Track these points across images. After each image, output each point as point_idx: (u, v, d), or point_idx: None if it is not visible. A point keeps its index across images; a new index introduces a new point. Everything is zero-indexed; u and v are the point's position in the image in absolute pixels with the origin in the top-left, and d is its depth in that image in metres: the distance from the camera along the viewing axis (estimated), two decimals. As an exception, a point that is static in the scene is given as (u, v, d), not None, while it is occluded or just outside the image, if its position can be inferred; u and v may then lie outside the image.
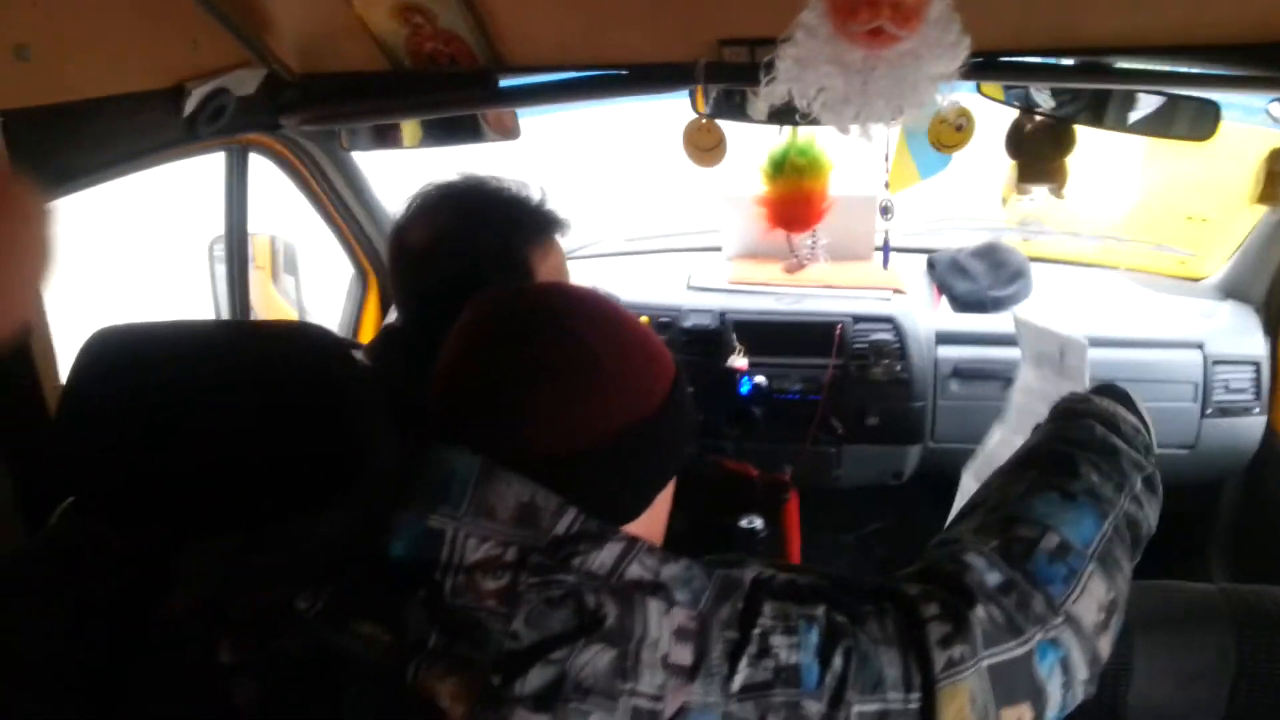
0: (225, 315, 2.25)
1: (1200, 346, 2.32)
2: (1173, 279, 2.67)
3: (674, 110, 1.89)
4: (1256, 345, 2.34)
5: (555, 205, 1.32)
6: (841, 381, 2.37)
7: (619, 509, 0.78)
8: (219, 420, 1.00)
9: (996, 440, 1.74)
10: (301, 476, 0.98)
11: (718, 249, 2.75)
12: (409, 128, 2.15)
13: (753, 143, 2.04)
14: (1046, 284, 2.56)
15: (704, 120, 1.78)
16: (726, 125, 1.86)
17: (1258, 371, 2.32)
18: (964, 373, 2.39)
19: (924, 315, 2.44)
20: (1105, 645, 0.82)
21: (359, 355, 1.28)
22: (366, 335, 2.61)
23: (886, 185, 2.13)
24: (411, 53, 1.77)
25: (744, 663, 0.68)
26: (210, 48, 1.67)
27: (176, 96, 1.61)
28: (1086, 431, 0.98)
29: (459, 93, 1.90)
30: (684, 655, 0.67)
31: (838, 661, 0.70)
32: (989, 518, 0.87)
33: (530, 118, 2.16)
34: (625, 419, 0.75)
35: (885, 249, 2.35)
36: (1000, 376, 2.37)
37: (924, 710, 0.71)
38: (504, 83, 1.90)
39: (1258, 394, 2.32)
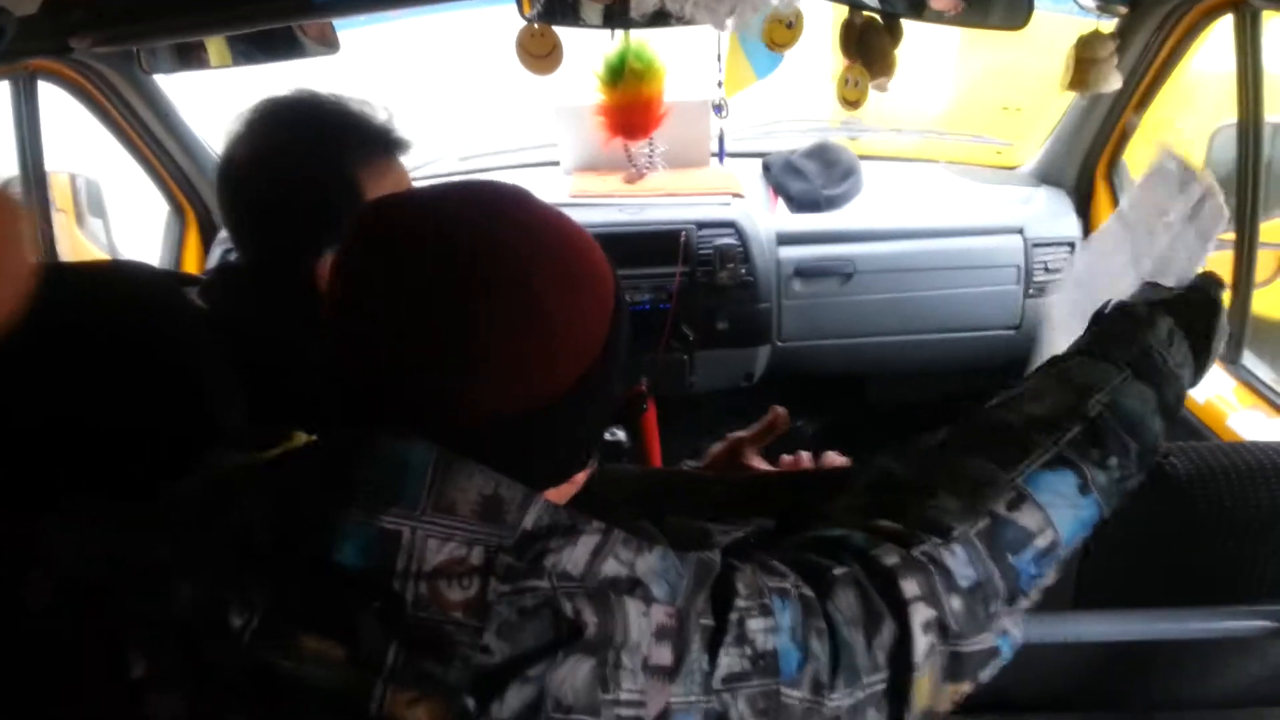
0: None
1: (1020, 231, 2.45)
2: (991, 169, 2.79)
3: (507, 18, 1.81)
4: (1070, 226, 2.48)
5: (398, 124, 1.23)
6: (689, 288, 2.39)
7: (560, 469, 0.73)
8: (31, 383, 0.84)
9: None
10: (139, 441, 0.87)
11: (556, 163, 2.69)
12: (215, 45, 1.98)
13: (580, 50, 1.98)
14: (873, 180, 2.63)
15: (537, 26, 1.72)
16: (560, 31, 1.81)
17: (1072, 250, 2.47)
18: (805, 271, 2.44)
19: (764, 218, 2.47)
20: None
21: (193, 296, 1.17)
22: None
23: (720, 85, 2.12)
24: (211, -39, 1.63)
25: (723, 652, 0.64)
26: (-21, -39, 1.49)
27: (-60, 18, 1.43)
28: (1142, 403, 0.86)
29: (269, 4, 1.76)
30: (664, 656, 0.62)
31: (815, 646, 0.66)
32: (997, 473, 0.79)
33: (350, 30, 2.04)
34: (574, 368, 0.68)
35: (720, 148, 2.35)
36: (839, 273, 2.44)
37: (894, 689, 0.69)
38: (316, -8, 1.78)
39: (1073, 272, 2.48)
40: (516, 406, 0.66)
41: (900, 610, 0.69)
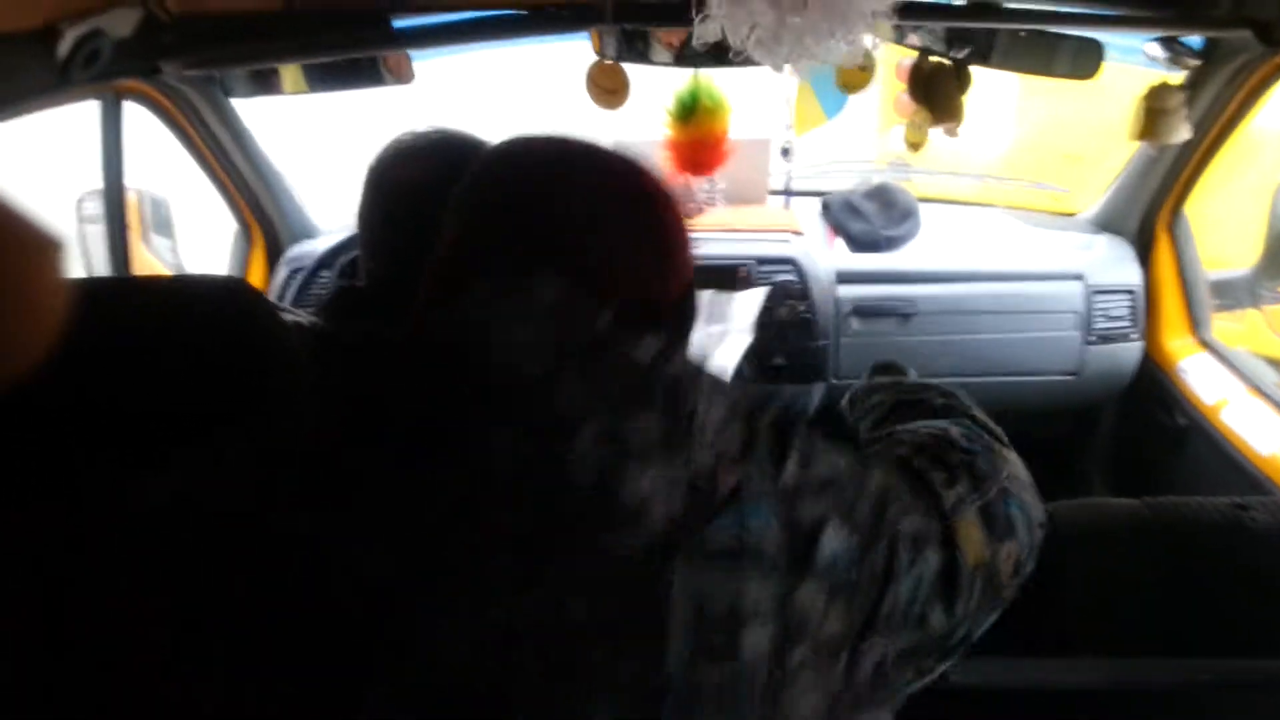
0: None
1: (1080, 278, 2.45)
2: (1050, 215, 2.79)
3: (574, 53, 1.85)
4: (1132, 274, 2.47)
5: None
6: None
7: None
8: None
9: None
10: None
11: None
12: (290, 73, 2.03)
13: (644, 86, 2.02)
14: (932, 223, 2.64)
15: (606, 61, 1.75)
16: (629, 68, 1.84)
17: (1134, 299, 2.46)
18: (865, 310, 2.45)
19: (823, 256, 2.48)
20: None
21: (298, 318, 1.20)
22: (255, 295, 2.49)
23: (789, 127, 2.15)
24: (300, -12, 1.68)
25: (789, 464, 0.68)
26: (82, -15, 1.54)
27: (47, 38, 1.48)
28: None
29: (350, 34, 1.81)
30: (731, 442, 0.67)
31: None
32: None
33: (425, 61, 2.08)
34: (682, 280, 0.84)
35: (788, 190, 2.37)
36: (899, 313, 2.44)
37: (945, 537, 0.74)
38: (398, 24, 1.82)
39: (1134, 321, 2.46)
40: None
41: (918, 476, 0.79)
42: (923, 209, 2.65)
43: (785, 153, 2.26)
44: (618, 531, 0.62)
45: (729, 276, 2.37)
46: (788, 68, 1.37)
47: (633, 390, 0.66)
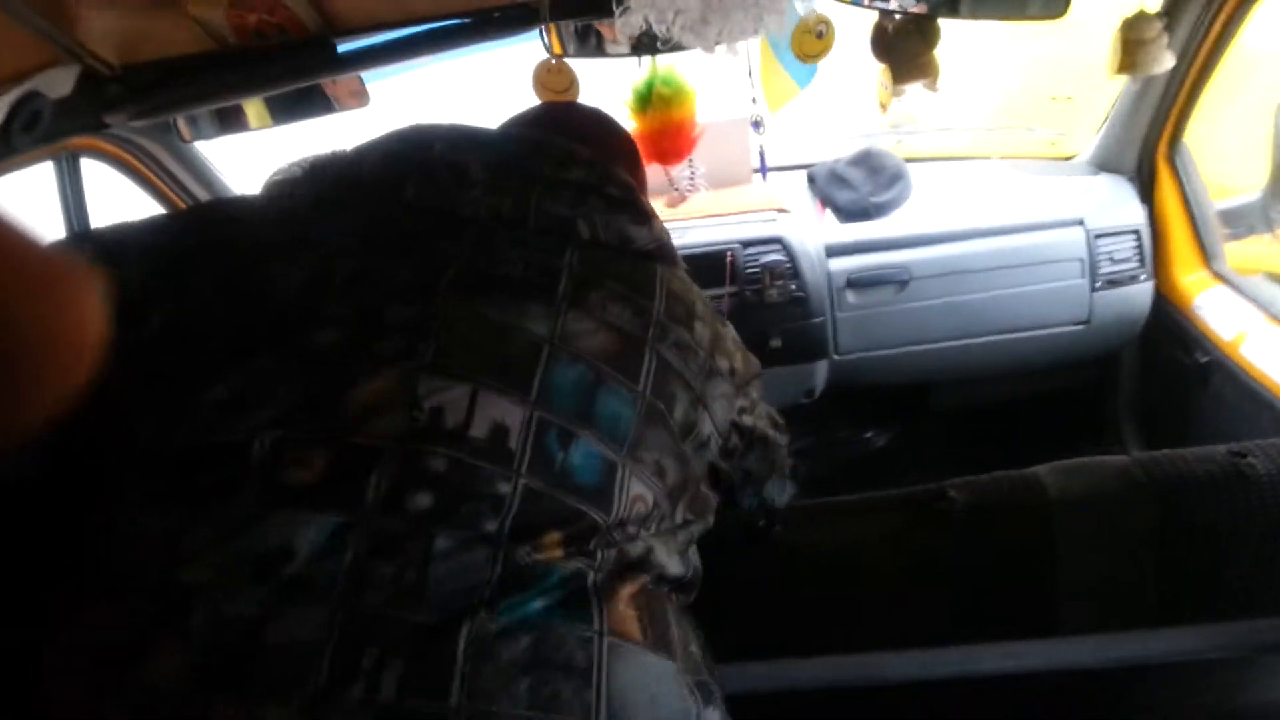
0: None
1: (1081, 222, 2.36)
2: (1047, 161, 2.70)
3: (525, 55, 1.81)
4: (1135, 214, 2.38)
5: None
6: (739, 308, 2.34)
7: None
8: None
9: None
10: None
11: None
12: (254, 108, 2.02)
13: (610, 79, 1.97)
14: (924, 183, 2.56)
15: (553, 62, 1.71)
16: (580, 63, 1.80)
17: (1139, 239, 2.37)
18: (858, 282, 2.38)
19: (811, 231, 2.42)
20: None
21: None
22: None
23: (755, 101, 2.08)
24: (235, 28, 1.64)
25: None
26: (15, 49, 1.52)
27: (-23, 107, 1.47)
28: None
29: (295, 63, 1.78)
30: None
31: None
32: None
33: (381, 81, 2.05)
34: None
35: (762, 164, 2.31)
36: (894, 281, 2.37)
37: None
38: (342, 47, 1.79)
39: (1141, 260, 2.37)
40: None
41: None
42: (914, 170, 2.57)
43: (756, 125, 2.20)
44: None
45: (715, 262, 2.32)
46: (720, 49, 1.31)
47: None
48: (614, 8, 1.31)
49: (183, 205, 2.21)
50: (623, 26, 1.31)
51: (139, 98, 1.77)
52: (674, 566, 0.88)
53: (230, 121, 2.05)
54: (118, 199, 2.11)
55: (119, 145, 1.96)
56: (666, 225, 2.31)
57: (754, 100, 2.09)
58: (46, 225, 2.01)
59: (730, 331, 1.09)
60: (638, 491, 0.85)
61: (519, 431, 0.80)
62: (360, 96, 1.99)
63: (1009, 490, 1.16)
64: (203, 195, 2.21)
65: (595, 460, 0.83)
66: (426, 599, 0.71)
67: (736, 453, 1.09)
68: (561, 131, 1.13)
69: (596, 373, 0.87)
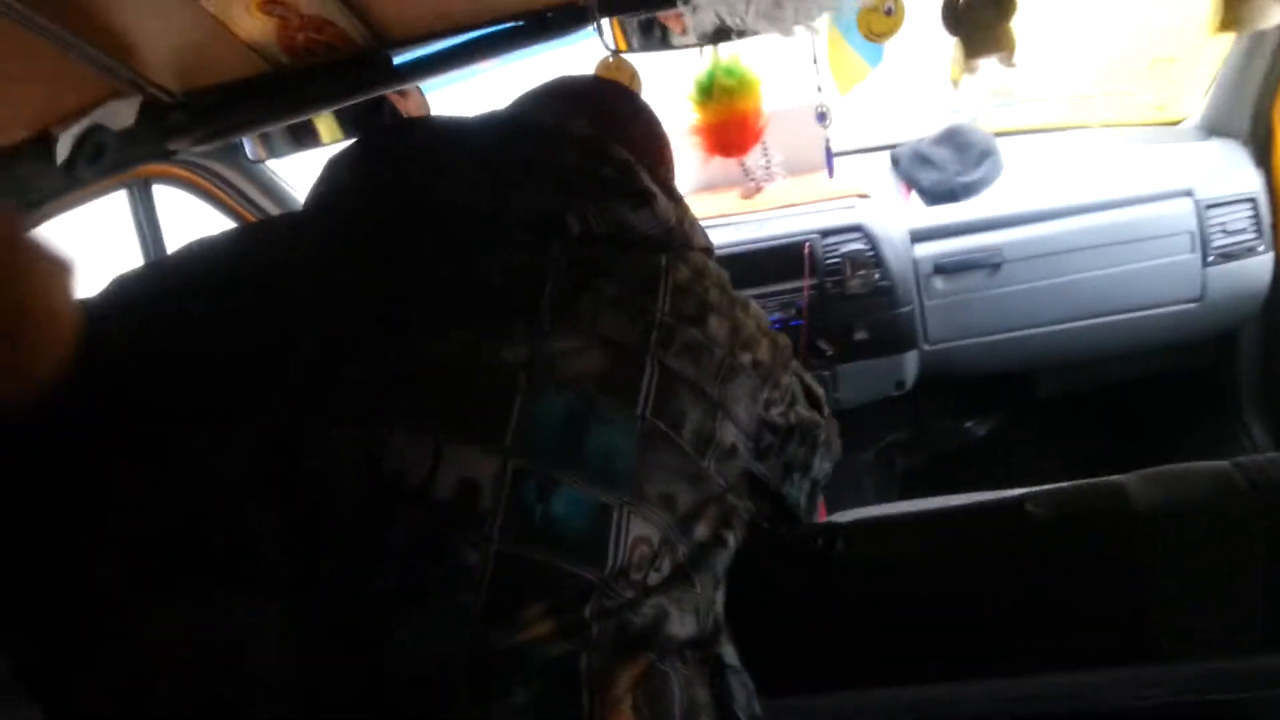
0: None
1: (1189, 193, 2.18)
2: (1152, 128, 2.51)
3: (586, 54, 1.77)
4: (1249, 180, 2.19)
5: None
6: (821, 301, 2.25)
7: None
8: None
9: None
10: None
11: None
12: (325, 123, 2.03)
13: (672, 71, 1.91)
14: (1018, 158, 2.41)
15: (612, 58, 1.65)
16: (640, 58, 1.74)
17: (1255, 208, 2.18)
18: (946, 268, 2.26)
19: (894, 216, 2.31)
20: None
21: None
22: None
23: (820, 89, 1.99)
24: (286, 48, 1.64)
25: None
26: (76, 85, 1.55)
27: (45, 144, 1.50)
28: None
29: (352, 79, 1.77)
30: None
31: None
32: None
33: (446, 89, 2.04)
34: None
35: (828, 157, 2.21)
36: (985, 264, 2.24)
37: None
38: (398, 60, 1.78)
39: (1259, 231, 2.18)
40: None
41: None
42: (1006, 145, 2.43)
43: (822, 117, 2.10)
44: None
45: (793, 254, 2.23)
46: (799, 30, 1.24)
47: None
48: (679, 4, 1.25)
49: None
50: (694, 26, 1.24)
51: (201, 123, 1.79)
52: (687, 628, 0.79)
53: (303, 138, 2.07)
54: (195, 222, 2.16)
55: (189, 170, 1.98)
56: (739, 219, 2.25)
57: (819, 89, 1.99)
58: (126, 253, 2.07)
59: (753, 317, 0.97)
60: (640, 533, 0.75)
61: (491, 486, 0.71)
62: (422, 108, 1.98)
63: (1093, 500, 1.06)
64: (277, 211, 2.23)
65: (584, 507, 0.73)
66: (385, 695, 0.64)
67: (773, 450, 0.98)
68: (561, 104, 1.07)
69: (586, 401, 0.77)
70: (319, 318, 0.80)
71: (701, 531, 0.82)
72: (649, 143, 1.16)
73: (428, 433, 0.72)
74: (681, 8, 1.36)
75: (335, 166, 0.99)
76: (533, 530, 0.71)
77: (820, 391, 1.12)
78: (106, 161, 1.62)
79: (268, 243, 0.93)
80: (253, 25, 1.59)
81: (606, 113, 1.12)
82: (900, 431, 2.79)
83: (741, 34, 1.30)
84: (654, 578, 0.77)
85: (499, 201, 0.89)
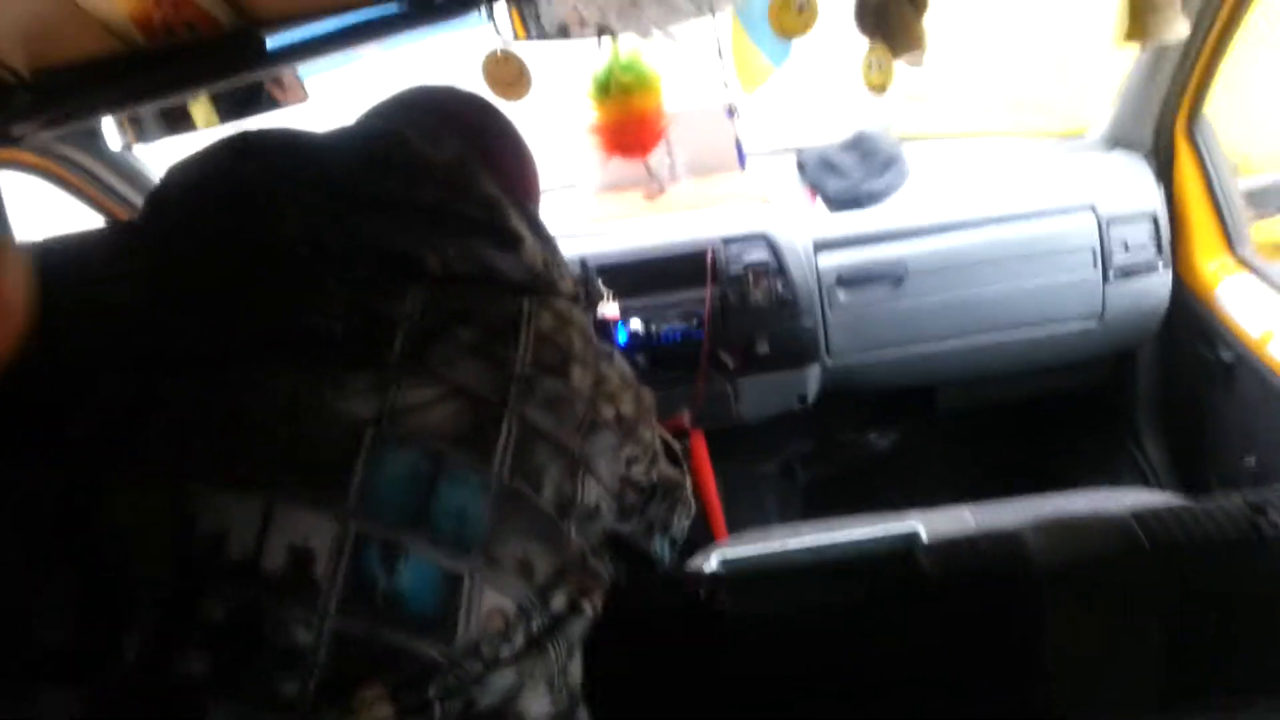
0: None
1: (1092, 208, 2.16)
2: (1054, 139, 2.49)
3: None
4: (1150, 196, 2.18)
5: None
6: (722, 311, 2.18)
7: None
8: None
9: None
10: None
11: (572, 185, 2.49)
12: (200, 107, 1.86)
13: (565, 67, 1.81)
14: (925, 165, 2.37)
15: (500, 52, 1.54)
16: (537, 48, 1.63)
17: (1155, 224, 2.17)
18: (850, 279, 2.20)
19: (798, 225, 2.24)
20: None
21: None
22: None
23: (726, 86, 1.90)
24: (142, 26, 1.48)
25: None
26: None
27: None
28: None
29: (221, 61, 1.62)
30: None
31: None
32: None
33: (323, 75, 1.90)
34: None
35: (740, 153, 2.14)
36: (889, 276, 2.19)
37: None
38: (271, 42, 1.63)
39: (1159, 248, 2.17)
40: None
41: None
42: (911, 150, 2.38)
43: (730, 113, 2.03)
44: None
45: (696, 262, 2.15)
46: (657, 33, 1.14)
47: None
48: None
49: (123, 214, 2.06)
50: (547, 16, 1.14)
51: (50, 105, 1.61)
52: (540, 705, 0.72)
53: (177, 122, 1.91)
54: (54, 211, 1.98)
55: (40, 155, 1.80)
56: (643, 223, 2.15)
57: (725, 85, 1.90)
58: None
59: (617, 368, 0.92)
60: (493, 604, 0.69)
61: (328, 554, 0.63)
62: (297, 94, 1.84)
63: (988, 554, 0.99)
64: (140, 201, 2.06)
65: (431, 577, 0.67)
66: None
67: (635, 509, 0.94)
68: (422, 122, 0.97)
69: (435, 459, 0.71)
70: (123, 363, 0.70)
71: (559, 601, 0.75)
72: (517, 171, 1.08)
73: (256, 492, 0.64)
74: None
75: (165, 187, 0.88)
76: (374, 604, 0.64)
77: (679, 448, 1.09)
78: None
79: (79, 273, 0.81)
80: (103, 1, 1.43)
81: (473, 136, 1.04)
82: (803, 443, 2.73)
83: (602, 29, 1.20)
84: (506, 650, 0.70)
85: (348, 238, 0.80)
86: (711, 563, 1.53)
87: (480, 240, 0.85)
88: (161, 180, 0.90)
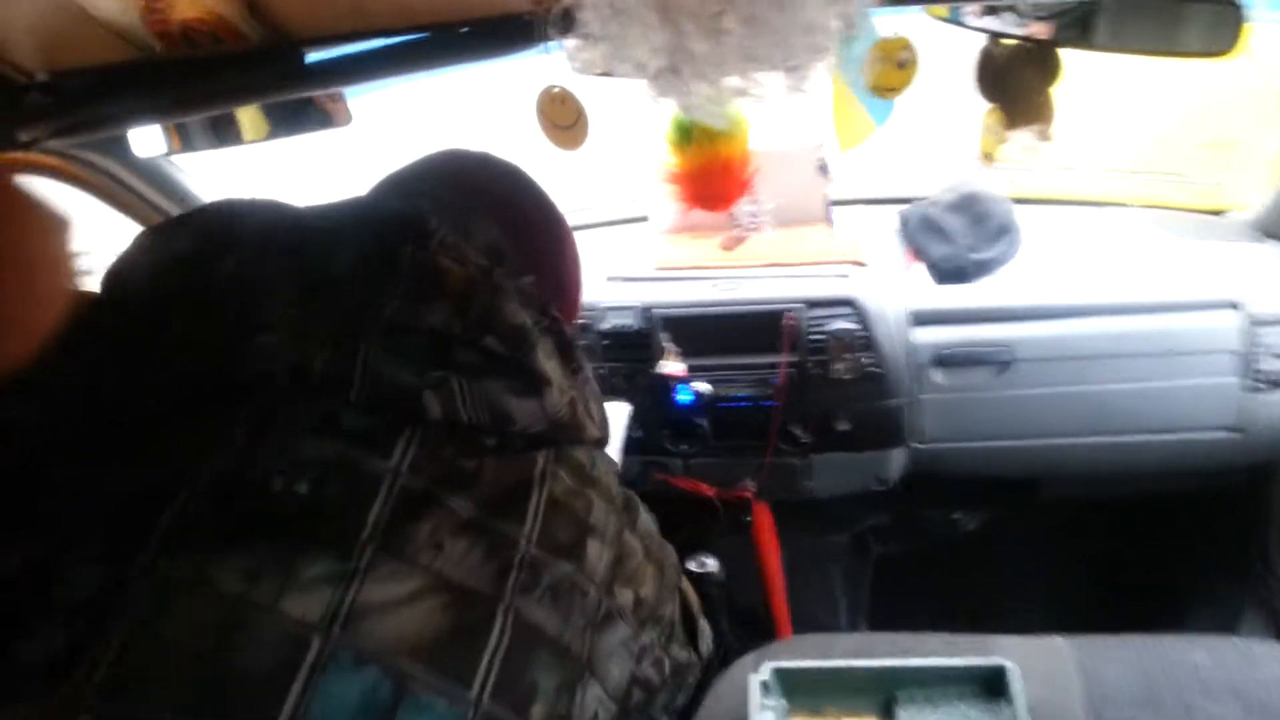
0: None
1: (1236, 306, 1.87)
2: (1197, 216, 2.20)
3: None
4: (1311, 299, 1.88)
5: None
6: (799, 382, 1.95)
7: None
8: None
9: None
10: None
11: (644, 219, 2.27)
12: (249, 118, 1.74)
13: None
14: (1040, 232, 2.10)
15: (557, 90, 1.33)
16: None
17: (1310, 331, 1.87)
18: (948, 360, 1.94)
19: (894, 293, 1.99)
20: None
21: None
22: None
23: (820, 144, 1.68)
24: (158, 33, 1.32)
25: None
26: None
27: None
28: None
29: (255, 76, 1.46)
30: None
31: None
32: None
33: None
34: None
35: (828, 215, 1.91)
36: (991, 361, 1.93)
37: None
38: (310, 59, 1.46)
39: (1316, 357, 1.87)
40: None
41: None
42: (1026, 214, 2.11)
43: (823, 170, 1.80)
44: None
45: (772, 325, 1.92)
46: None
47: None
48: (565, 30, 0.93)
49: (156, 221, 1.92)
50: (577, 63, 0.94)
51: (65, 110, 1.47)
52: None
53: (224, 133, 1.77)
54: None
55: (67, 161, 1.66)
56: (717, 274, 1.93)
57: (819, 143, 1.68)
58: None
59: (642, 536, 0.78)
60: None
61: None
62: (342, 116, 1.68)
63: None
64: (175, 211, 1.91)
65: None
66: None
67: (640, 706, 0.79)
68: (451, 200, 0.82)
69: (399, 681, 0.57)
70: (22, 536, 0.57)
71: None
72: (555, 263, 0.94)
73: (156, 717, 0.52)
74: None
75: (127, 268, 0.73)
76: None
77: (704, 625, 0.95)
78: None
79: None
80: (111, 4, 1.27)
81: (509, 219, 0.88)
82: (880, 516, 2.48)
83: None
84: None
85: (341, 366, 0.64)
86: (762, 671, 1.32)
87: (497, 381, 0.68)
88: (123, 256, 0.73)
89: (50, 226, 0.62)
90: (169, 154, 1.87)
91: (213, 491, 0.58)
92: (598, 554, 0.70)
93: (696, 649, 0.90)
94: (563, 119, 1.35)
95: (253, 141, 1.80)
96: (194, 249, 0.71)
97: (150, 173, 1.83)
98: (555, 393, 0.70)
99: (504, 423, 0.67)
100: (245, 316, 0.65)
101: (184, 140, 1.80)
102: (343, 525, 0.58)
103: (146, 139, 1.74)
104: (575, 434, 0.73)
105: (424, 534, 0.60)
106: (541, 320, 0.75)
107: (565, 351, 0.76)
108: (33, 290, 0.60)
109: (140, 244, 0.74)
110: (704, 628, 0.95)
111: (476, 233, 0.81)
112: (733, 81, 0.77)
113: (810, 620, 2.27)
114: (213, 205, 0.77)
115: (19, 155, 1.55)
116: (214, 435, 0.60)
